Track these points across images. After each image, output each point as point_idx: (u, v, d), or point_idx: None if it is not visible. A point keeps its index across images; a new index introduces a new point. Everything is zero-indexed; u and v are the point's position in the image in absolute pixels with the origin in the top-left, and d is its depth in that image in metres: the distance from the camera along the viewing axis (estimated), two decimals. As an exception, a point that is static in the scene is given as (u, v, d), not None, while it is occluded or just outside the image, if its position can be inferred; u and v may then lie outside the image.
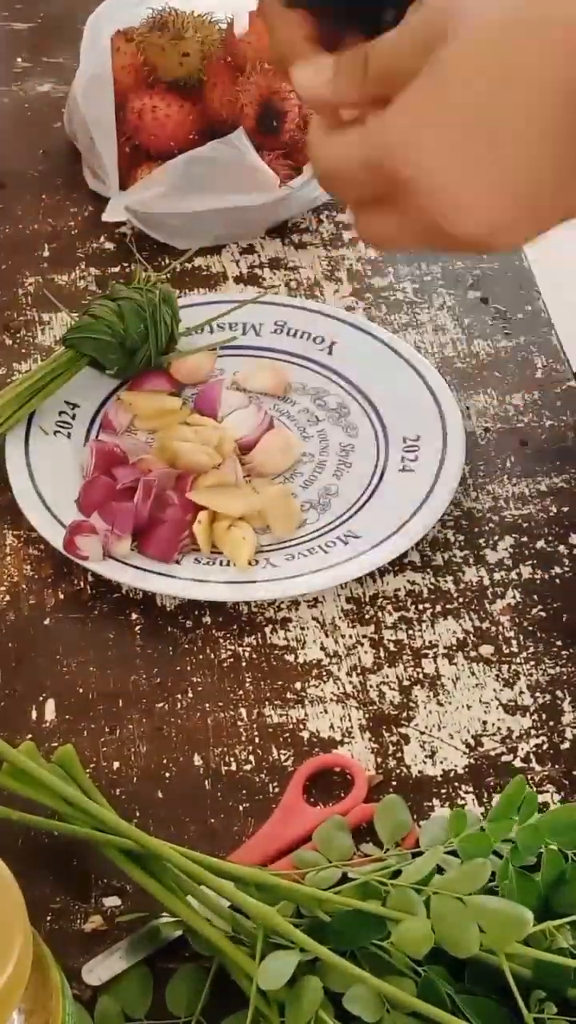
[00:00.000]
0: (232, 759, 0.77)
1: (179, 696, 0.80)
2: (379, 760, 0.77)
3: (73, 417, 0.93)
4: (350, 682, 0.81)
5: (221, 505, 0.87)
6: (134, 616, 0.84)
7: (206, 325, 0.99)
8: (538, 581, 0.86)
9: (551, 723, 0.79)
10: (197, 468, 0.89)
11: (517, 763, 0.77)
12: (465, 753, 0.77)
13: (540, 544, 0.88)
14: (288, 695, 0.80)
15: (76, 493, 0.88)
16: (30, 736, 0.77)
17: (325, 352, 0.99)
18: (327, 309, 1.02)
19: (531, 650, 0.82)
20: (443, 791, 0.76)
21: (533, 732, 0.78)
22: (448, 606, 0.85)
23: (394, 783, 0.76)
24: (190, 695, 0.80)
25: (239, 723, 0.79)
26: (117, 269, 1.08)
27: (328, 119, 0.66)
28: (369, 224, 0.66)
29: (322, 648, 0.82)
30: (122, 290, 0.96)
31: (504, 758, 0.77)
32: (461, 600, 0.85)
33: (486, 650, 0.82)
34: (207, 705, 0.80)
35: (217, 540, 0.86)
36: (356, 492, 0.90)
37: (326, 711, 0.79)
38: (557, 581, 0.86)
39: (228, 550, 0.86)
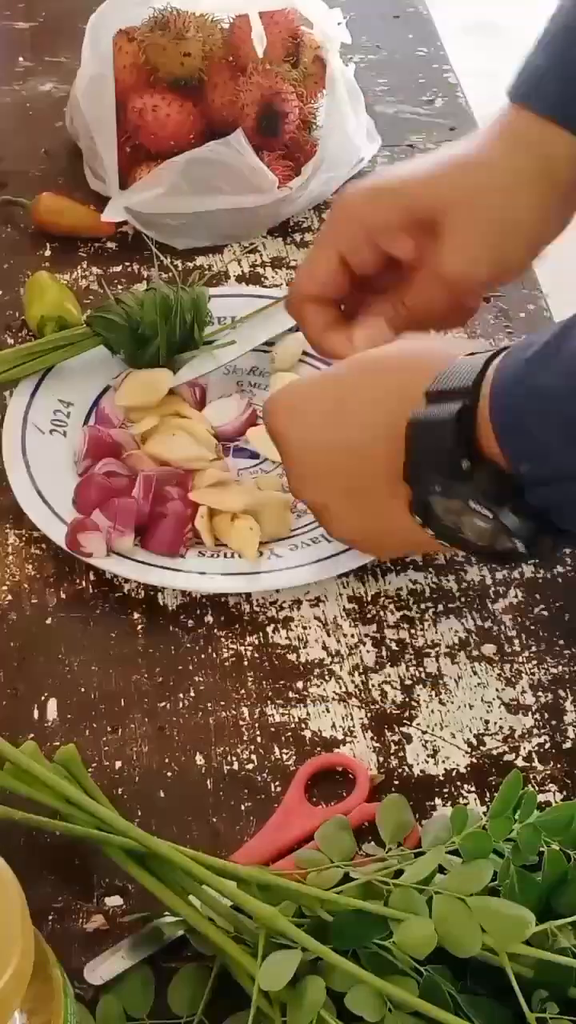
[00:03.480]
0: (234, 759, 0.77)
1: (181, 695, 0.80)
2: (381, 759, 0.77)
3: (68, 415, 0.93)
4: (352, 681, 0.81)
5: (221, 503, 0.87)
6: (136, 615, 0.84)
7: (229, 328, 0.99)
8: (540, 580, 0.86)
9: (553, 722, 0.79)
10: (188, 465, 0.89)
11: (519, 762, 0.77)
12: (467, 752, 0.77)
13: (542, 543, 0.88)
14: (290, 694, 0.80)
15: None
16: (32, 736, 0.77)
17: None
18: None
19: (533, 649, 0.82)
20: (445, 790, 0.76)
21: (535, 731, 0.78)
22: (450, 605, 0.84)
23: (396, 782, 0.76)
24: (192, 694, 0.80)
25: (241, 722, 0.79)
26: (119, 268, 1.08)
27: None
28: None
29: (324, 647, 0.82)
30: (161, 285, 0.98)
31: (506, 757, 0.77)
32: (463, 599, 0.85)
33: (488, 649, 0.82)
34: (209, 704, 0.79)
35: (221, 534, 0.86)
36: None
37: (328, 710, 0.79)
38: (559, 580, 0.86)
39: (235, 543, 0.85)
